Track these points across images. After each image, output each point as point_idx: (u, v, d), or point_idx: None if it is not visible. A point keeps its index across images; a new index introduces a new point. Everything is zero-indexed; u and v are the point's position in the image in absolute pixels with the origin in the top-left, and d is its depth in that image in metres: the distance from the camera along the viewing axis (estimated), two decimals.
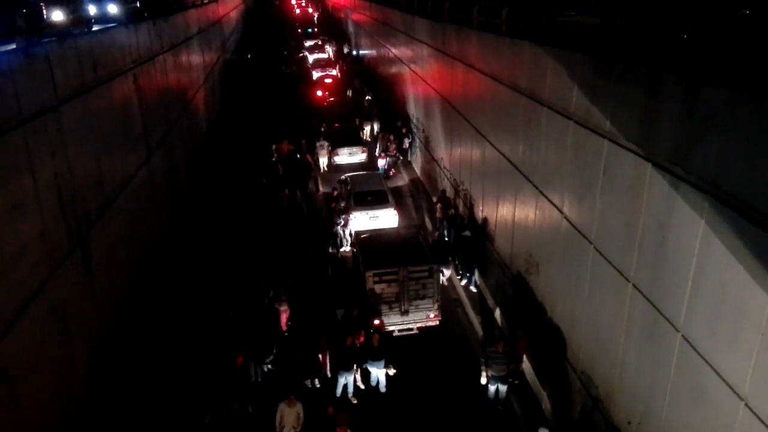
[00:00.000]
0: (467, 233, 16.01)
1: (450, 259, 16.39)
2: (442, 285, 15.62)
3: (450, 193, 19.14)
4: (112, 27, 14.26)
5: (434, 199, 20.14)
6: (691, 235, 6.90)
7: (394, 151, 25.24)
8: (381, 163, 24.91)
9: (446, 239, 17.06)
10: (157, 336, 13.18)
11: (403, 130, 26.20)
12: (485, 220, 15.73)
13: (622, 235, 8.61)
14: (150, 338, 12.95)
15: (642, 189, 7.97)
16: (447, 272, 16.23)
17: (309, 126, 28.04)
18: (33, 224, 8.51)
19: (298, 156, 23.89)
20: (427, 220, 20.57)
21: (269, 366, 12.96)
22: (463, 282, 16.30)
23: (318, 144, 25.25)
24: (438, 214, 18.69)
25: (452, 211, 18.05)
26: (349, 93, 35.97)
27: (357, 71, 41.24)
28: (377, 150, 25.82)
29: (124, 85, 13.69)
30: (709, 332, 6.66)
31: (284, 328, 13.67)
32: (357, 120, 30.11)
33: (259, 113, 32.01)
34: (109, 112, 12.45)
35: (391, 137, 25.50)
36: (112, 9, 14.22)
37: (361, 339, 12.47)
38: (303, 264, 16.79)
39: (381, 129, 27.83)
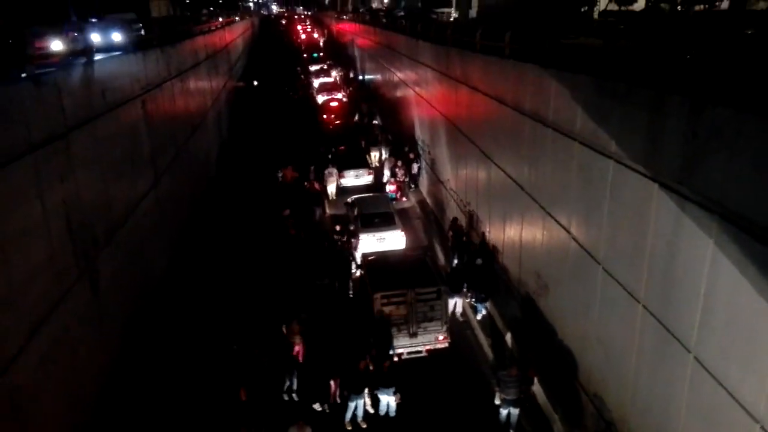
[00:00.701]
0: (479, 261, 15.66)
1: (464, 289, 16.00)
2: (454, 313, 15.54)
3: (458, 215, 19.13)
4: (121, 54, 14.50)
5: (446, 228, 19.82)
6: (699, 255, 6.85)
7: (403, 177, 25.08)
8: (390, 188, 24.56)
9: (457, 268, 16.73)
10: (163, 360, 13.12)
11: (411, 155, 26.05)
12: (491, 243, 15.69)
13: (630, 256, 8.56)
14: (157, 362, 12.90)
15: (649, 209, 7.95)
16: (460, 302, 15.90)
17: (317, 152, 27.81)
18: (41, 249, 8.56)
19: (306, 183, 23.61)
20: (436, 245, 20.47)
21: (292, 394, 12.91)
22: (479, 316, 15.77)
23: (326, 171, 24.80)
24: (449, 243, 18.44)
25: (464, 238, 17.72)
26: (357, 118, 35.99)
27: (364, 95, 41.35)
28: (385, 176, 25.64)
29: (132, 111, 13.86)
30: (721, 353, 6.57)
31: (300, 360, 13.40)
32: (362, 142, 30.25)
33: (266, 139, 32.10)
34: (118, 138, 12.59)
35: (399, 163, 25.45)
36: (117, 37, 14.43)
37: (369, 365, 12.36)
38: (314, 294, 16.44)
39: (390, 154, 27.61)
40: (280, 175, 25.01)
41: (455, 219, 18.80)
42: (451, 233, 18.46)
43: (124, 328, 11.92)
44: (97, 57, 12.51)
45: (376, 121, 34.16)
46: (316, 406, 12.63)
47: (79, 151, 10.21)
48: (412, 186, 25.74)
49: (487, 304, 15.78)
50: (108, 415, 10.32)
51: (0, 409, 7.12)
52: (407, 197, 24.97)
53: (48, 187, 8.87)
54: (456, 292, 15.55)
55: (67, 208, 9.47)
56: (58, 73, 10.04)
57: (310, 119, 36.35)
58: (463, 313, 15.96)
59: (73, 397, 9.20)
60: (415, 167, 25.69)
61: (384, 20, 39.76)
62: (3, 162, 7.63)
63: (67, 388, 8.99)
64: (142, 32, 16.77)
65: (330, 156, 26.81)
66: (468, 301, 16.21)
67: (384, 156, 28.09)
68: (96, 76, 11.71)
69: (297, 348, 13.54)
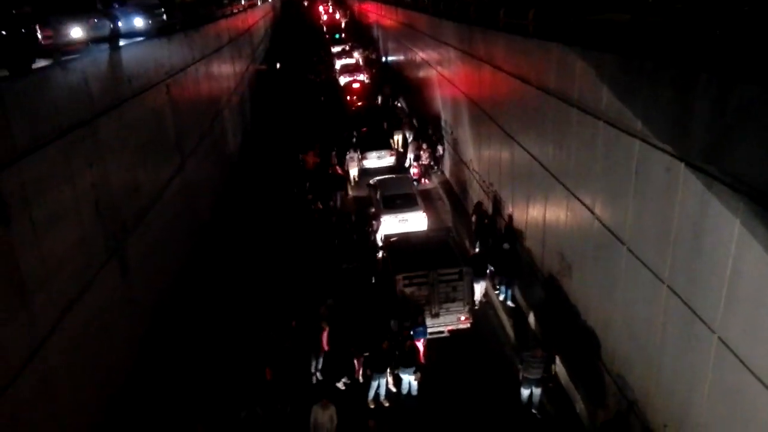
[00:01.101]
0: (506, 246, 15.21)
1: (487, 272, 15.76)
2: (478, 298, 15.45)
3: (481, 196, 19.05)
4: (146, 40, 14.65)
5: (469, 210, 19.67)
6: (726, 235, 6.75)
7: (428, 160, 24.87)
8: (413, 171, 24.52)
9: (481, 251, 16.51)
10: (192, 340, 13.41)
11: (434, 138, 25.86)
12: (512, 220, 15.60)
13: (655, 236, 8.47)
14: (186, 342, 13.20)
15: (675, 189, 7.83)
16: (483, 285, 15.76)
17: (340, 137, 27.60)
18: (72, 233, 8.80)
19: (329, 169, 23.39)
20: (458, 226, 20.42)
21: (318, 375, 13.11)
22: (501, 297, 15.77)
23: (348, 156, 24.67)
24: (473, 226, 18.21)
25: (486, 221, 17.52)
26: (380, 99, 35.73)
27: (387, 77, 40.93)
28: (408, 161, 25.46)
29: (158, 96, 14.04)
30: (746, 334, 6.51)
31: (326, 347, 13.50)
32: (385, 124, 30.16)
33: (288, 122, 32.08)
34: (144, 123, 12.79)
35: (424, 146, 25.22)
36: (138, 23, 14.52)
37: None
38: (340, 279, 16.41)
39: (414, 137, 27.26)
40: (301, 158, 24.95)
41: (479, 203, 18.61)
42: (474, 217, 18.28)
43: (152, 309, 12.22)
44: (122, 43, 12.68)
45: (400, 103, 33.87)
46: (340, 385, 12.83)
47: (107, 137, 10.42)
48: (436, 168, 25.57)
49: (513, 289, 15.67)
50: (138, 390, 10.64)
51: (35, 388, 7.40)
52: (430, 180, 24.84)
53: (77, 172, 9.08)
54: (480, 276, 15.35)
55: (96, 192, 9.71)
56: (85, 60, 10.21)
57: (332, 102, 36.18)
58: (487, 298, 15.88)
59: (103, 376, 9.51)
60: (440, 149, 25.46)
61: None
62: (33, 148, 7.84)
63: (96, 367, 9.29)
64: (164, 17, 16.81)
65: (353, 140, 26.63)
66: (493, 285, 16.10)
67: (408, 139, 27.83)
68: (122, 62, 11.88)
69: (324, 332, 13.61)
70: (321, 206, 20.07)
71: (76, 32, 10.54)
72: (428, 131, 26.69)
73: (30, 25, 8.96)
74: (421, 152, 24.93)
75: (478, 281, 15.22)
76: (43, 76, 8.57)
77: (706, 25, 9.02)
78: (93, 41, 11.24)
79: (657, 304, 8.46)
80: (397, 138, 28.49)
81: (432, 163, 25.15)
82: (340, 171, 23.54)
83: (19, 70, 8.14)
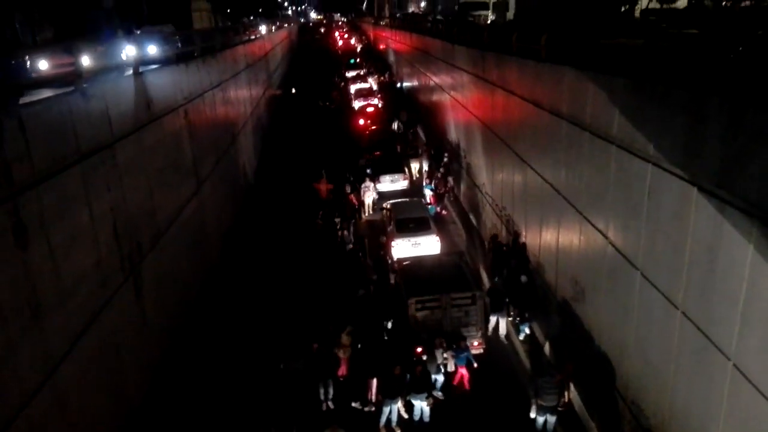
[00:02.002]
0: (524, 278, 14.65)
1: (505, 307, 14.97)
2: (496, 333, 14.99)
3: (494, 220, 18.99)
4: (165, 66, 14.99)
5: (486, 244, 18.76)
6: (739, 260, 6.70)
7: (443, 188, 24.39)
8: (428, 194, 24.01)
9: (498, 283, 15.87)
10: (208, 361, 13.43)
11: (443, 171, 25.23)
12: (527, 248, 15.47)
13: (669, 261, 8.41)
14: (201, 363, 13.22)
15: (688, 213, 7.80)
16: (503, 322, 14.97)
17: (356, 166, 27.05)
18: (89, 255, 8.94)
19: (344, 200, 22.84)
20: (471, 250, 20.32)
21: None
22: (521, 336, 14.92)
23: (363, 186, 24.13)
24: (488, 257, 17.58)
25: (505, 248, 16.78)
26: (396, 126, 34.93)
27: (402, 103, 40.41)
28: (427, 192, 24.66)
29: (175, 120, 14.31)
30: (761, 361, 6.41)
31: (345, 372, 13.25)
32: (398, 147, 30.28)
33: (302, 149, 31.84)
34: (161, 147, 13.02)
35: (439, 174, 24.85)
36: (152, 50, 14.77)
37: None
38: (354, 305, 15.97)
39: (429, 166, 26.69)
40: (314, 188, 24.36)
41: (495, 236, 17.84)
42: (490, 245, 17.61)
43: (166, 330, 12.30)
44: (143, 69, 12.97)
45: (419, 131, 33.50)
46: (356, 405, 12.72)
47: (125, 160, 10.62)
48: (451, 196, 25.20)
49: (531, 323, 15.03)
50: (152, 414, 10.66)
51: (50, 409, 7.46)
52: (446, 209, 24.19)
53: (96, 196, 9.26)
54: (498, 310, 14.80)
55: (113, 215, 9.87)
56: (106, 86, 10.47)
57: (346, 130, 35.93)
58: (507, 335, 15.09)
59: (117, 397, 9.56)
60: (450, 180, 24.97)
61: (429, 24, 38.95)
62: (52, 172, 8.02)
63: (111, 387, 9.35)
64: (179, 45, 16.99)
65: (368, 170, 26.09)
66: (511, 320, 15.37)
67: (425, 168, 27.24)
68: (141, 87, 12.16)
69: (343, 360, 13.35)
70: (335, 233, 19.88)
71: (85, 60, 10.62)
72: (444, 159, 26.29)
73: (20, 56, 8.97)
74: (437, 181, 24.57)
75: (495, 315, 14.78)
76: (63, 101, 8.79)
77: (719, 49, 9.06)
78: (115, 67, 11.42)
79: (671, 330, 8.36)
80: (415, 166, 28.11)
81: (445, 190, 24.69)
82: (354, 201, 23.04)
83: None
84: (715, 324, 7.31)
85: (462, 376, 13.19)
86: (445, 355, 13.09)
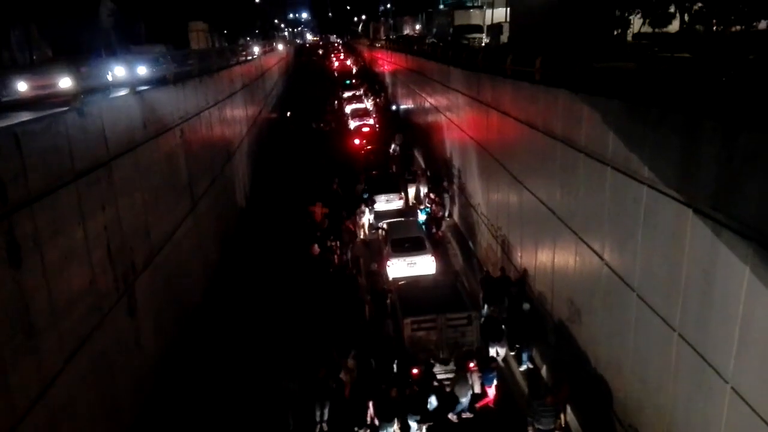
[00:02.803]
0: (527, 306, 14.19)
1: (504, 337, 14.31)
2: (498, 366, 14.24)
3: (489, 240, 18.98)
4: (162, 86, 15.04)
5: (484, 269, 18.07)
6: (736, 282, 6.70)
7: (440, 212, 24.07)
8: (421, 217, 23.84)
9: (493, 313, 15.07)
10: (203, 380, 13.26)
11: (437, 198, 24.88)
12: (527, 275, 15.29)
13: (665, 283, 8.41)
14: (197, 382, 13.05)
15: (684, 235, 7.82)
16: (501, 352, 14.36)
17: (351, 192, 26.55)
18: (83, 274, 8.86)
19: (340, 224, 22.27)
20: (466, 270, 20.26)
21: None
22: (522, 367, 14.22)
23: (358, 211, 23.81)
24: (480, 288, 16.64)
25: (501, 273, 16.23)
26: (392, 149, 34.56)
27: (397, 125, 39.92)
28: (422, 216, 24.30)
29: (171, 139, 14.31)
30: (759, 383, 6.38)
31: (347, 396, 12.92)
32: (393, 167, 30.30)
33: (296, 171, 31.24)
34: (157, 166, 13.00)
35: (437, 199, 24.62)
36: (141, 71, 14.66)
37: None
38: (358, 329, 15.53)
39: (428, 191, 26.25)
40: (310, 211, 23.75)
41: (487, 272, 17.12)
42: (482, 278, 16.87)
43: (160, 350, 12.16)
44: (140, 88, 13.02)
45: (416, 154, 33.12)
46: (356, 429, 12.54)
47: (121, 180, 10.59)
48: (447, 217, 24.89)
49: (531, 353, 14.41)
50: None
51: (42, 428, 7.34)
52: (442, 232, 23.69)
53: (90, 215, 9.21)
54: (496, 340, 14.15)
55: (108, 233, 9.81)
56: (102, 105, 10.48)
57: (341, 152, 35.33)
58: (504, 359, 14.48)
59: (110, 417, 9.41)
60: (447, 202, 24.86)
61: (415, 47, 39.52)
62: (47, 190, 7.98)
63: (104, 407, 9.21)
64: (173, 66, 16.85)
65: (365, 196, 25.64)
66: (512, 353, 14.58)
67: (422, 192, 26.86)
68: (138, 106, 12.18)
69: (347, 384, 13.07)
70: (332, 258, 19.60)
71: (65, 82, 10.44)
72: (443, 183, 26.01)
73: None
74: (434, 205, 24.28)
75: (494, 346, 14.17)
76: (60, 119, 8.78)
77: (712, 73, 9.18)
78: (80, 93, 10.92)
79: (668, 352, 8.33)
80: (411, 191, 27.57)
81: (442, 214, 24.46)
82: (351, 227, 22.51)
83: None
84: (712, 346, 7.29)
85: (489, 396, 12.97)
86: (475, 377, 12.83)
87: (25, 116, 8.61)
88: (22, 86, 11.24)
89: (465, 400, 12.77)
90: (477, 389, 13.07)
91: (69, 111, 9.25)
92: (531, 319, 14.39)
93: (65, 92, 9.94)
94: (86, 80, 10.90)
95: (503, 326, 14.48)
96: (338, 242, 20.76)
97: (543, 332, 14.28)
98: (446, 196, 25.10)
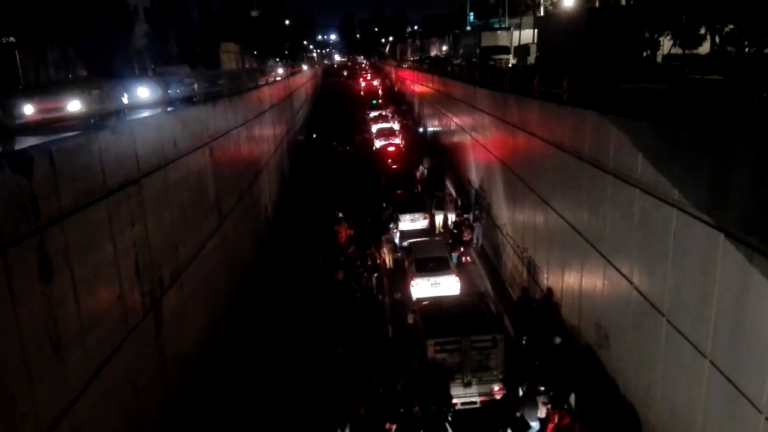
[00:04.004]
0: (558, 340, 13.05)
1: (536, 380, 12.66)
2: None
3: (515, 261, 18.79)
4: (193, 105, 15.35)
5: (514, 293, 17.64)
6: None
7: (468, 237, 23.48)
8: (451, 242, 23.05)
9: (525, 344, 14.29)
10: (229, 397, 13.30)
11: (467, 221, 24.33)
12: (552, 294, 15.10)
13: (696, 308, 8.21)
14: (222, 399, 13.10)
15: (715, 260, 7.64)
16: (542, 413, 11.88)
17: (378, 220, 25.88)
18: (111, 290, 8.99)
19: (368, 256, 21.46)
20: (492, 292, 20.05)
21: None
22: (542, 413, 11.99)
23: (384, 238, 23.18)
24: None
25: (535, 304, 15.53)
26: (419, 173, 34.02)
27: (426, 148, 39.00)
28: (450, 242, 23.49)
29: (201, 158, 14.55)
30: None
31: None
32: (419, 187, 30.24)
33: (322, 194, 30.48)
34: (186, 183, 13.21)
35: (467, 221, 24.14)
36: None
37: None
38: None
39: (457, 216, 25.43)
40: (335, 231, 23.41)
41: (525, 290, 16.59)
42: (519, 297, 16.29)
43: (188, 363, 12.24)
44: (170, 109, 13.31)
45: (445, 181, 32.21)
46: None
47: (150, 196, 10.78)
48: (476, 244, 24.22)
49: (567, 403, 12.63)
50: None
51: None
52: (471, 257, 23.50)
53: (120, 231, 9.37)
54: (523, 382, 12.83)
55: (136, 249, 9.97)
56: (135, 123, 10.73)
57: (367, 174, 34.26)
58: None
59: None
60: (477, 227, 24.10)
61: (449, 68, 38.62)
62: (79, 207, 8.16)
63: (128, 422, 9.27)
64: (195, 87, 17.06)
65: (392, 226, 25.34)
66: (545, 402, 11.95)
67: (451, 220, 26.03)
68: (168, 125, 12.44)
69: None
70: (356, 286, 19.17)
71: (74, 105, 10.43)
72: (475, 212, 25.29)
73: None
74: (463, 230, 23.69)
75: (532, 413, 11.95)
76: (93, 137, 9.00)
77: (744, 95, 9.03)
78: (90, 117, 10.45)
79: (699, 379, 8.10)
80: (439, 218, 26.94)
81: (471, 238, 23.82)
82: (378, 255, 22.01)
83: None
84: (745, 374, 7.07)
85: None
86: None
87: (31, 141, 8.26)
88: (28, 109, 10.71)
89: (535, 425, 12.02)
90: (542, 414, 11.97)
91: (103, 129, 9.48)
92: (565, 358, 13.10)
93: (72, 116, 9.85)
94: (104, 102, 10.69)
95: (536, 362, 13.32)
96: (363, 269, 20.29)
97: (570, 356, 13.99)
98: (478, 225, 24.15)
